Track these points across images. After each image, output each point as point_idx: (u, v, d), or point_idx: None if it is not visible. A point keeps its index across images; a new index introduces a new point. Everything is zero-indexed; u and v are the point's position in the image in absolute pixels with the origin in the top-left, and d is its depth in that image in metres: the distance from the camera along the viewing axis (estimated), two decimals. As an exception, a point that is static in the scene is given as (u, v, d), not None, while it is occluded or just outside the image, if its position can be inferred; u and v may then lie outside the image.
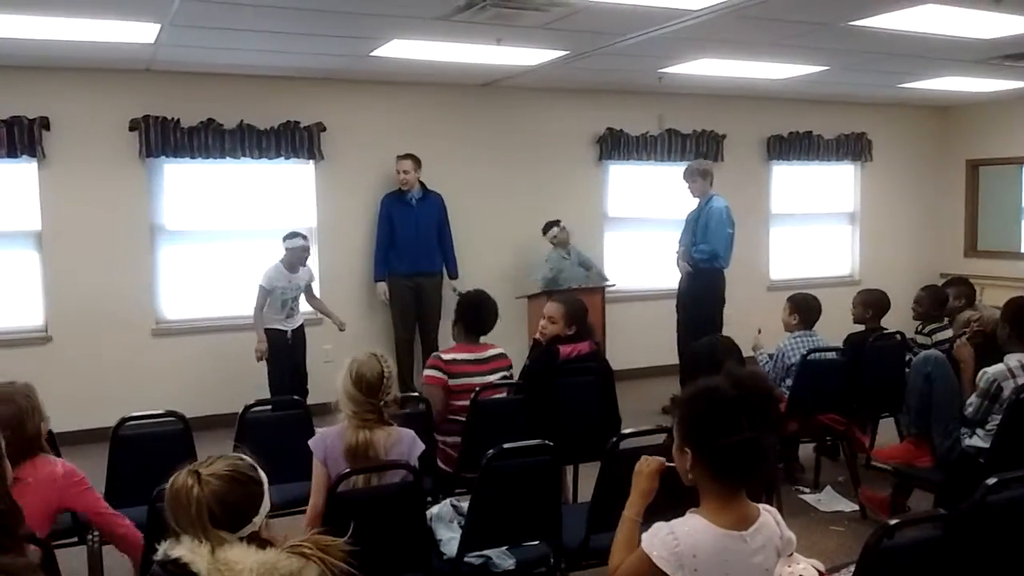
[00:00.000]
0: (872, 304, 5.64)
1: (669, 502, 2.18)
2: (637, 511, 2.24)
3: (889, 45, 6.09)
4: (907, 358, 5.31)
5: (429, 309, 7.29)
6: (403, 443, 3.17)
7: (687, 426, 2.06)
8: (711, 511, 2.03)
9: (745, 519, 2.05)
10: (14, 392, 2.99)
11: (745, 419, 1.97)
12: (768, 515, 2.10)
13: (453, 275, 7.40)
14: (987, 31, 5.70)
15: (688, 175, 7.02)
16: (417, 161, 7.16)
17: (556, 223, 7.58)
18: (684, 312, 7.06)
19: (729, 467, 2.01)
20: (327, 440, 3.12)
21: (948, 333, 5.52)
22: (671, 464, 2.17)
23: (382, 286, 7.27)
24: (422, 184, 7.26)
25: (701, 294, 6.88)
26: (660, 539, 2.02)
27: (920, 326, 5.72)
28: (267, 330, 6.36)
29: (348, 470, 2.99)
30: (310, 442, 3.14)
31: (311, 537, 2.06)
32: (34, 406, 2.99)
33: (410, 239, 7.22)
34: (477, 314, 4.47)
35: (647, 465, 2.28)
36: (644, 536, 2.06)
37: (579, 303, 4.74)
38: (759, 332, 5.51)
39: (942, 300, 5.77)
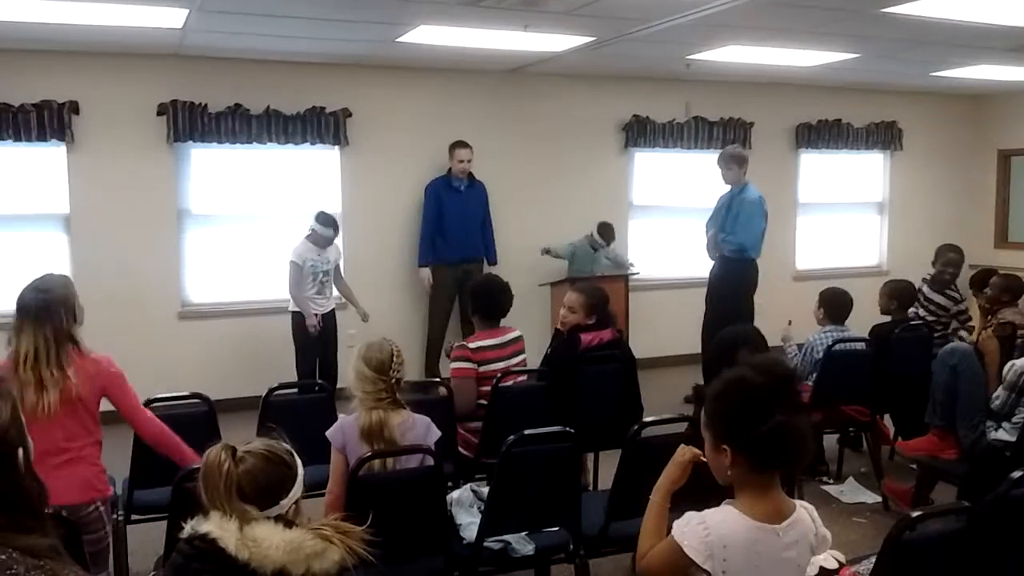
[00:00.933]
0: (898, 295, 5.59)
1: (697, 493, 2.17)
2: (663, 495, 2.23)
3: (922, 32, 6.01)
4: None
5: None
6: (418, 428, 3.19)
7: (720, 422, 2.04)
8: (746, 503, 2.03)
9: (779, 513, 2.03)
10: (56, 281, 3.30)
11: (773, 404, 1.96)
12: (804, 511, 2.08)
13: (492, 262, 7.45)
14: (1022, 18, 5.60)
15: (723, 161, 6.76)
16: (472, 149, 7.22)
17: (606, 232, 7.66)
18: (712, 300, 6.87)
19: (768, 455, 1.99)
20: (344, 428, 3.14)
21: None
22: (704, 460, 2.16)
23: (426, 272, 7.29)
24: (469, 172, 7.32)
25: (731, 283, 6.71)
26: (691, 528, 2.02)
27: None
28: (299, 312, 6.38)
29: (368, 454, 3.00)
30: (327, 433, 3.15)
31: (331, 521, 2.09)
32: (73, 293, 3.29)
33: (459, 226, 7.27)
34: (492, 300, 4.47)
35: (682, 454, 2.26)
36: (675, 524, 2.06)
37: (599, 292, 4.73)
38: (789, 323, 5.47)
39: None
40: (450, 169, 7.28)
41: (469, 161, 7.20)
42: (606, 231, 7.72)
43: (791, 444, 1.99)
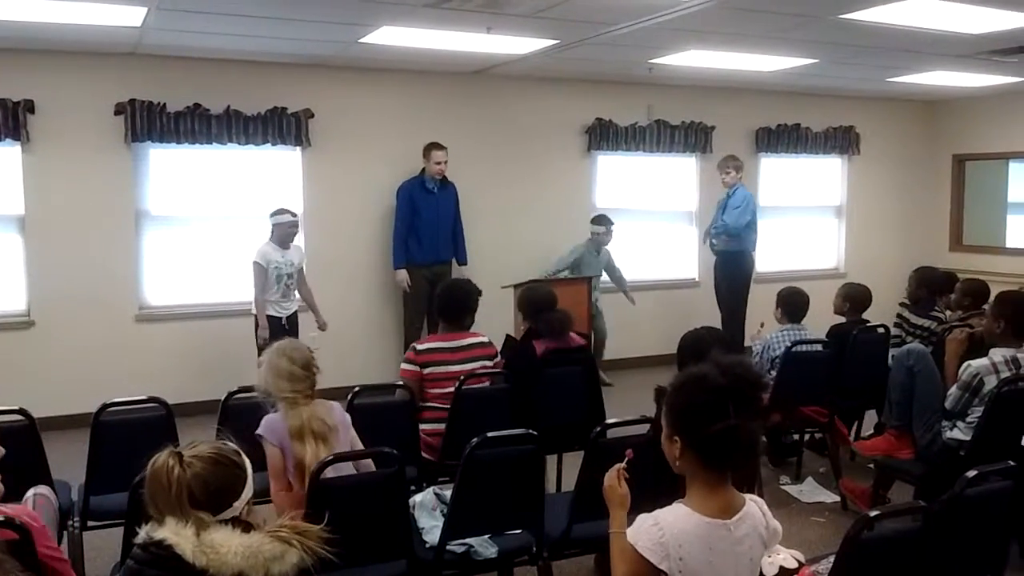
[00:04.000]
0: (851, 297, 5.69)
1: (653, 495, 2.18)
2: (620, 523, 2.20)
3: (878, 39, 6.10)
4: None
5: None
6: (335, 411, 3.26)
7: (675, 415, 2.06)
8: (696, 500, 2.04)
9: (730, 508, 2.05)
10: None
11: (732, 406, 1.97)
12: (754, 505, 2.11)
13: (463, 261, 7.47)
14: (976, 26, 5.72)
15: (723, 165, 7.71)
16: (447, 151, 7.23)
17: (604, 222, 7.70)
18: (718, 296, 7.49)
19: (717, 454, 2.00)
20: (274, 426, 3.15)
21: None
22: (629, 460, 2.19)
23: (402, 273, 7.25)
24: None
25: (730, 276, 7.37)
26: (644, 530, 2.02)
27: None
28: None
29: (332, 455, 2.98)
30: (261, 432, 3.14)
31: (289, 523, 2.07)
32: None
33: (431, 227, 7.27)
34: (455, 304, 4.48)
35: (607, 479, 2.27)
36: (629, 530, 2.05)
37: (535, 293, 4.83)
38: (762, 325, 5.57)
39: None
40: (423, 170, 7.25)
41: (445, 163, 7.18)
42: (601, 218, 7.78)
43: (741, 448, 2.00)
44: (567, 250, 7.77)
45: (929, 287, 5.86)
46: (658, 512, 2.05)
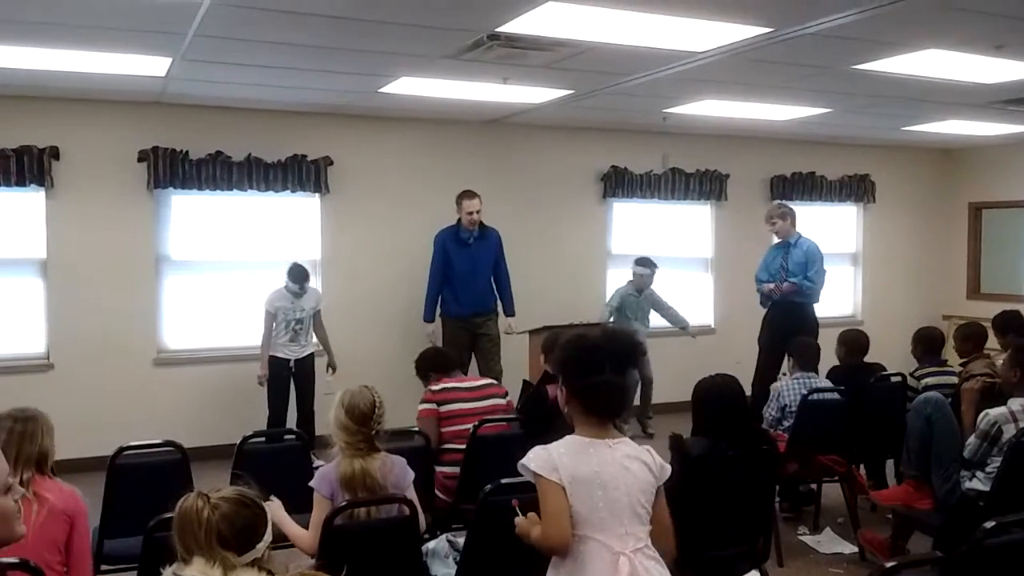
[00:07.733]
0: (844, 342, 5.72)
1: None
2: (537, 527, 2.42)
3: (892, 88, 6.15)
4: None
5: (489, 346, 6.97)
6: (396, 469, 3.19)
7: (560, 367, 2.46)
8: (579, 432, 2.38)
9: (608, 436, 2.37)
10: (33, 411, 3.14)
11: (608, 364, 2.33)
12: (641, 445, 2.42)
13: (509, 312, 7.16)
14: (989, 76, 5.75)
15: (773, 216, 7.11)
16: (480, 199, 6.96)
17: (647, 264, 7.66)
18: (773, 344, 6.91)
19: (594, 402, 2.36)
20: (329, 477, 3.10)
21: (942, 379, 5.44)
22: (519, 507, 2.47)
23: (429, 327, 6.98)
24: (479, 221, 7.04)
25: (801, 327, 6.74)
26: (534, 455, 2.34)
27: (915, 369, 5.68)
28: (272, 358, 6.39)
29: (344, 503, 2.98)
30: (314, 483, 3.11)
31: (310, 572, 2.11)
32: (49, 426, 3.11)
33: (468, 279, 6.95)
34: (441, 357, 4.63)
35: (518, 530, 2.46)
36: (522, 461, 2.35)
37: (560, 339, 4.83)
38: (783, 374, 5.57)
39: (935, 342, 5.66)
40: (459, 219, 6.98)
41: (478, 212, 6.86)
42: (644, 260, 7.69)
43: (612, 399, 2.37)
44: (614, 293, 7.77)
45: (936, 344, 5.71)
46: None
